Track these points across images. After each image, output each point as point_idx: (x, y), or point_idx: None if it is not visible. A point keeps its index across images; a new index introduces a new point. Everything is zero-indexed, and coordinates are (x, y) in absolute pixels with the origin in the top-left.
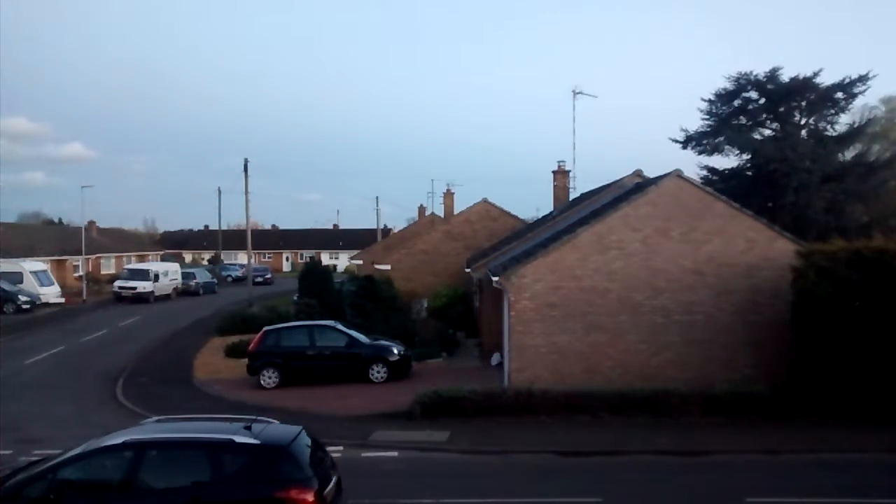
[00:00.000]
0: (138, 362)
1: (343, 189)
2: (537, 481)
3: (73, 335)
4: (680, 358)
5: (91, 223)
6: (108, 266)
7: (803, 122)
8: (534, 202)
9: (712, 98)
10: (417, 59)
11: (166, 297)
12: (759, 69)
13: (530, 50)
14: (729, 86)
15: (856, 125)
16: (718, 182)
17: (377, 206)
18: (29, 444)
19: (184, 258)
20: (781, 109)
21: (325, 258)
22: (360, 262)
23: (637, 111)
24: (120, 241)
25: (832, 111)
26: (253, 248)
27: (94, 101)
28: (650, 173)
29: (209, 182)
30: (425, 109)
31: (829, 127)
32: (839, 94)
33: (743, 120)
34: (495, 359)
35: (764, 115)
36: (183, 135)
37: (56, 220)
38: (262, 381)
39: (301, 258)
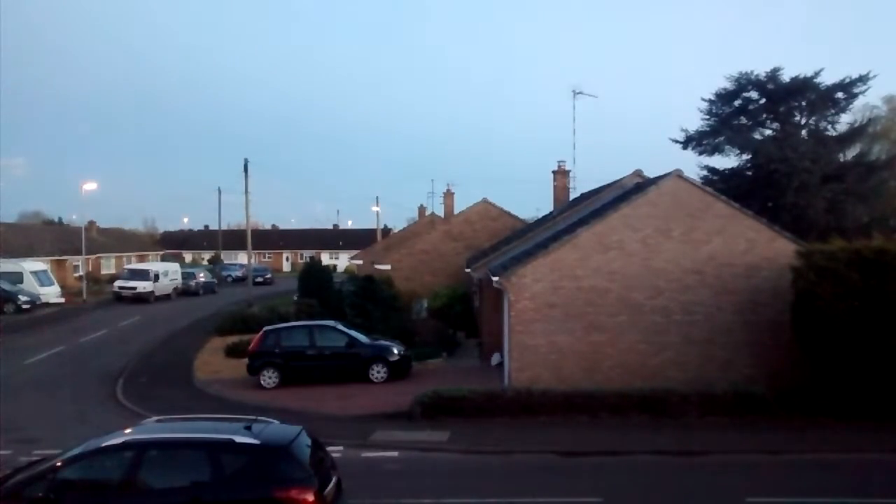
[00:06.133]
0: (138, 362)
1: (343, 189)
2: (537, 481)
3: (72, 335)
4: (680, 358)
5: (91, 223)
6: (108, 266)
7: (804, 122)
8: (534, 202)
9: (712, 98)
10: (417, 59)
11: (166, 297)
12: (760, 69)
13: (530, 50)
14: (729, 86)
15: (856, 125)
16: (718, 182)
17: (377, 206)
18: (29, 444)
19: (184, 258)
20: (782, 109)
21: (325, 258)
22: (360, 262)
23: (637, 111)
24: (120, 241)
25: (833, 111)
26: (253, 248)
27: (93, 101)
28: (650, 173)
29: (209, 182)
30: (425, 109)
31: (829, 127)
32: (840, 94)
33: (743, 120)
34: (495, 359)
35: (764, 115)
36: (183, 134)
37: (56, 220)
38: (262, 381)
39: (301, 258)
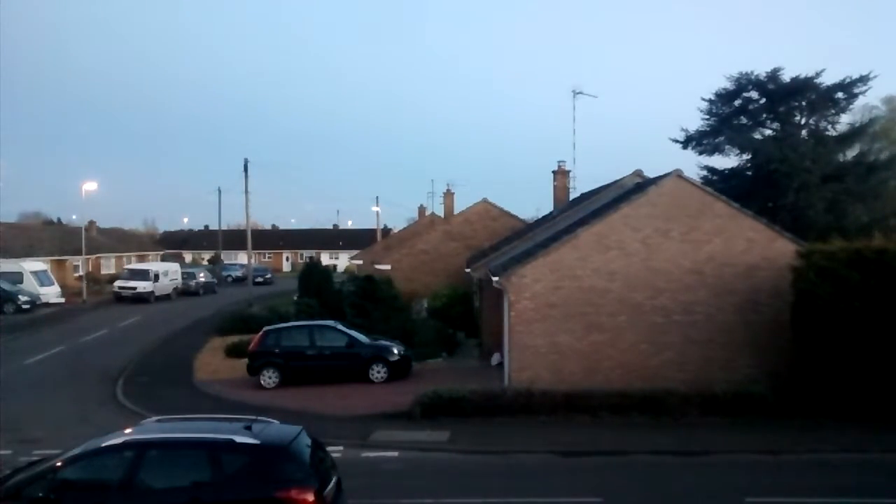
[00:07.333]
0: (138, 362)
1: (343, 189)
2: (537, 481)
3: (73, 335)
4: (680, 358)
5: (91, 223)
6: (108, 266)
7: (804, 122)
8: (534, 202)
9: (712, 98)
10: (417, 59)
11: (166, 297)
12: (760, 69)
13: (530, 50)
14: (729, 86)
15: (856, 125)
16: (718, 182)
17: (377, 206)
18: (29, 444)
19: (184, 258)
20: (782, 109)
21: (325, 258)
22: (360, 262)
23: (637, 111)
24: (120, 241)
25: (833, 111)
26: (253, 248)
27: (93, 101)
28: (650, 173)
29: (209, 182)
30: (425, 109)
31: (829, 127)
32: (840, 94)
33: (743, 120)
34: (495, 359)
35: (764, 115)
36: (183, 135)
37: (56, 220)
38: (262, 381)
39: (301, 258)
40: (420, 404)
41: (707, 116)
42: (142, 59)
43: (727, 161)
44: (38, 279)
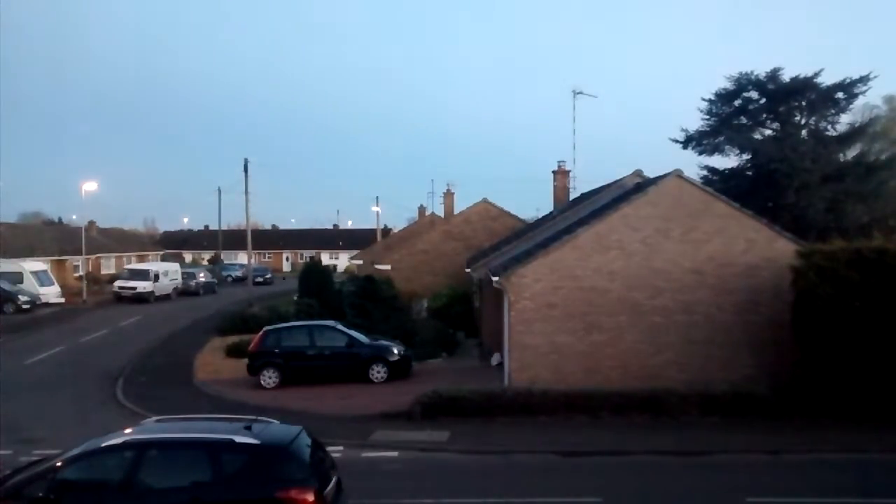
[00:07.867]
0: (138, 362)
1: (343, 189)
2: (537, 481)
3: (73, 335)
4: (680, 358)
5: (91, 223)
6: (109, 266)
7: (804, 122)
8: (534, 202)
9: (712, 98)
10: (417, 59)
11: (166, 297)
12: (760, 69)
13: (531, 50)
14: (729, 86)
15: (856, 125)
16: (718, 182)
17: (377, 206)
18: (29, 444)
19: (184, 258)
20: (782, 109)
21: (325, 258)
22: (360, 262)
23: (637, 111)
24: (120, 241)
25: (833, 111)
26: (253, 248)
27: (93, 101)
28: (650, 173)
29: (209, 182)
30: (426, 109)
31: (829, 127)
32: (840, 94)
33: (743, 120)
34: (495, 359)
35: (764, 115)
36: (183, 134)
37: (56, 220)
38: (262, 381)
39: (301, 258)
40: (420, 404)
41: (707, 116)
42: (142, 58)
43: (727, 161)
44: (38, 279)
